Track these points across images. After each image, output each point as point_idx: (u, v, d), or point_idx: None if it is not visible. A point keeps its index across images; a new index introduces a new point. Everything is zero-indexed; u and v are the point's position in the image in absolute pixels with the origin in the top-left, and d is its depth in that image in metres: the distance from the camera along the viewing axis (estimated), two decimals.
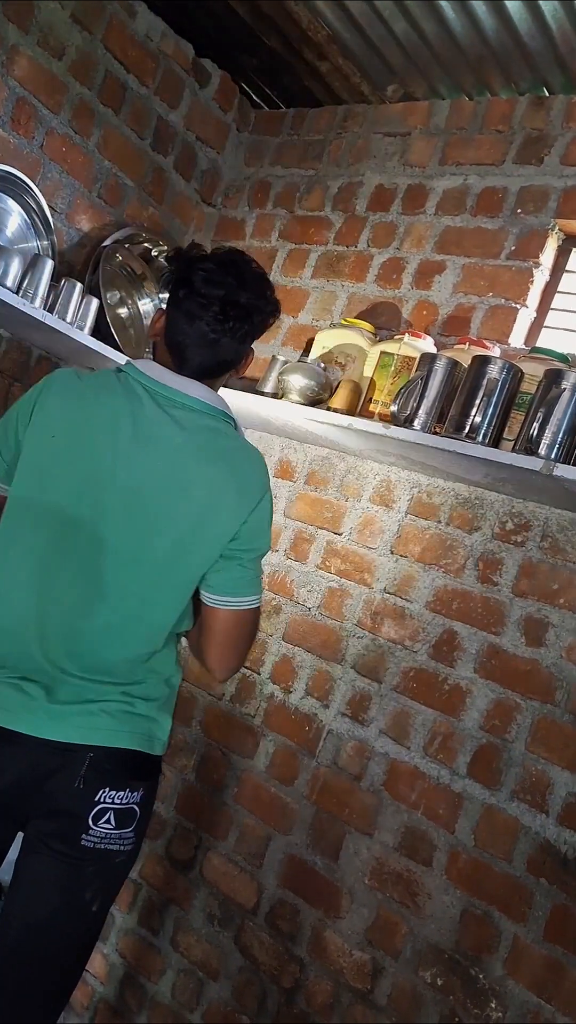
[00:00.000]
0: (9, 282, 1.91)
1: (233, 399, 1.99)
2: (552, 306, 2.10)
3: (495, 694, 1.82)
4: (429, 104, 2.28)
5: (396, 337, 2.04)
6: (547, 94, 2.09)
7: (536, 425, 1.63)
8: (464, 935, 1.75)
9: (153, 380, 1.41)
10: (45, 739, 1.38)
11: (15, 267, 1.93)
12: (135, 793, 1.43)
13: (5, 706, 1.39)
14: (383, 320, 2.21)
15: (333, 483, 2.17)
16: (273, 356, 2.19)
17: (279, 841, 2.04)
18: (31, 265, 1.96)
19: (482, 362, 1.74)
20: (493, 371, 1.71)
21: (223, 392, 1.55)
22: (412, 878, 1.83)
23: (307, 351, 2.22)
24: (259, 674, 2.18)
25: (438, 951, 1.77)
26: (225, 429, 1.44)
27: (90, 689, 1.40)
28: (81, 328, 2.06)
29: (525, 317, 2.06)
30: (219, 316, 1.38)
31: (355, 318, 2.18)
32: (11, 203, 2.10)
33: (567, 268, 2.11)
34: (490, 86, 2.15)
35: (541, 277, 2.06)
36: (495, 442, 1.74)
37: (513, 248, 2.06)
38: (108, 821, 1.40)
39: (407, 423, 1.80)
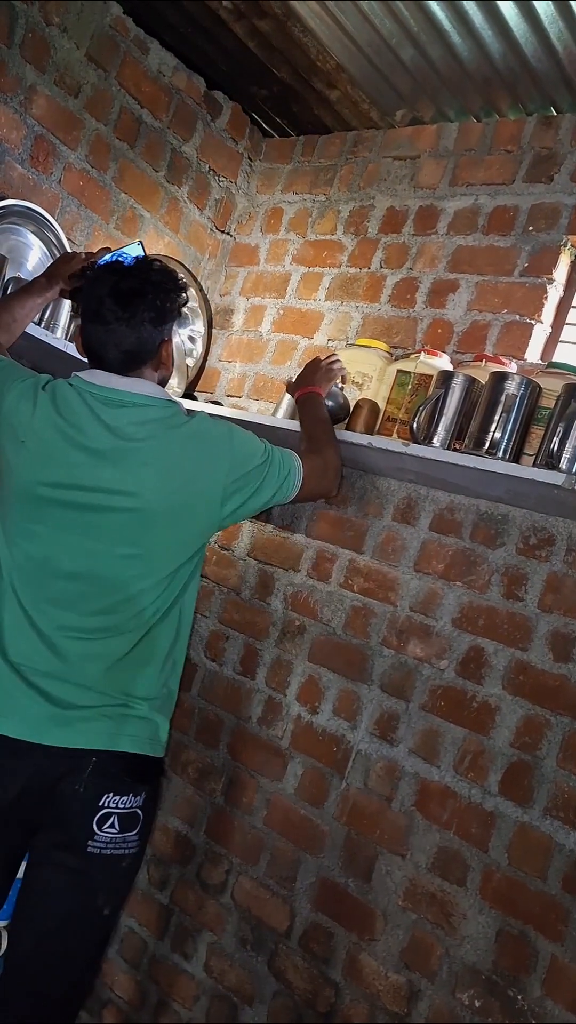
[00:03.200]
0: None
1: (253, 422, 2.01)
2: (567, 321, 2.12)
3: (524, 711, 1.81)
4: (438, 127, 2.31)
5: (412, 356, 2.06)
6: (555, 113, 2.12)
7: (556, 440, 1.63)
8: (501, 955, 1.73)
9: (99, 386, 1.51)
10: (50, 746, 1.41)
11: None
12: (138, 797, 1.47)
13: (8, 712, 1.42)
14: (398, 339, 2.23)
15: (353, 502, 2.19)
16: (289, 378, 2.21)
17: (310, 864, 2.03)
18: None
19: (500, 378, 1.75)
20: (511, 387, 1.73)
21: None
22: (446, 898, 1.82)
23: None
24: (285, 695, 2.18)
25: (475, 972, 1.75)
26: (174, 413, 1.54)
27: (88, 692, 1.44)
28: None
29: (540, 333, 2.08)
30: (110, 308, 1.47)
31: (370, 338, 2.20)
32: (31, 237, 2.15)
33: None
34: (498, 107, 2.18)
35: (555, 293, 2.08)
36: (515, 457, 1.75)
37: (526, 265, 2.08)
38: (112, 825, 1.44)
39: (426, 441, 1.81)
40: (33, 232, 2.14)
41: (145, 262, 1.55)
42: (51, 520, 1.46)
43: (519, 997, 1.68)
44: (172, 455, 1.49)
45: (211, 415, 1.62)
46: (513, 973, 1.70)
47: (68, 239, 2.19)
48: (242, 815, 2.19)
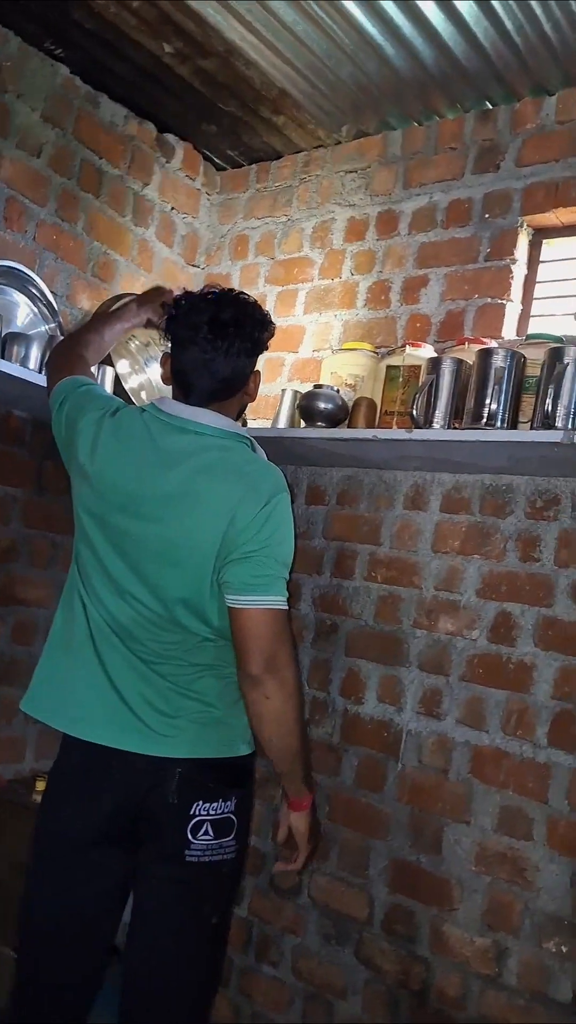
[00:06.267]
0: (31, 364, 2.03)
1: (262, 436, 2.10)
2: (535, 296, 2.24)
3: (558, 662, 1.90)
4: (383, 136, 2.44)
5: (398, 351, 2.17)
6: (490, 107, 2.25)
7: (549, 401, 1.73)
8: None
9: (165, 413, 1.54)
10: (135, 754, 1.46)
11: (34, 350, 2.05)
12: (228, 802, 1.50)
13: (98, 720, 1.49)
14: (380, 340, 2.34)
15: (363, 498, 2.28)
16: (283, 391, 2.31)
17: (380, 848, 2.09)
18: (48, 346, 2.09)
19: (486, 354, 1.86)
20: (498, 360, 1.83)
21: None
22: (516, 855, 1.89)
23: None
24: (328, 693, 2.25)
25: (556, 920, 1.82)
26: (236, 448, 1.53)
27: (165, 699, 1.49)
28: None
29: (512, 311, 2.19)
30: (207, 337, 1.50)
31: (354, 342, 2.31)
32: (17, 295, 2.23)
33: (541, 259, 2.25)
34: (437, 109, 2.31)
35: (520, 272, 2.20)
36: (513, 426, 1.85)
37: (488, 250, 2.20)
38: (206, 833, 1.48)
39: (427, 424, 1.91)
40: (18, 290, 2.23)
41: (238, 293, 1.57)
42: (98, 541, 1.52)
43: None
44: (203, 483, 1.47)
45: (281, 476, 1.53)
46: None
47: (51, 291, 2.28)
48: None
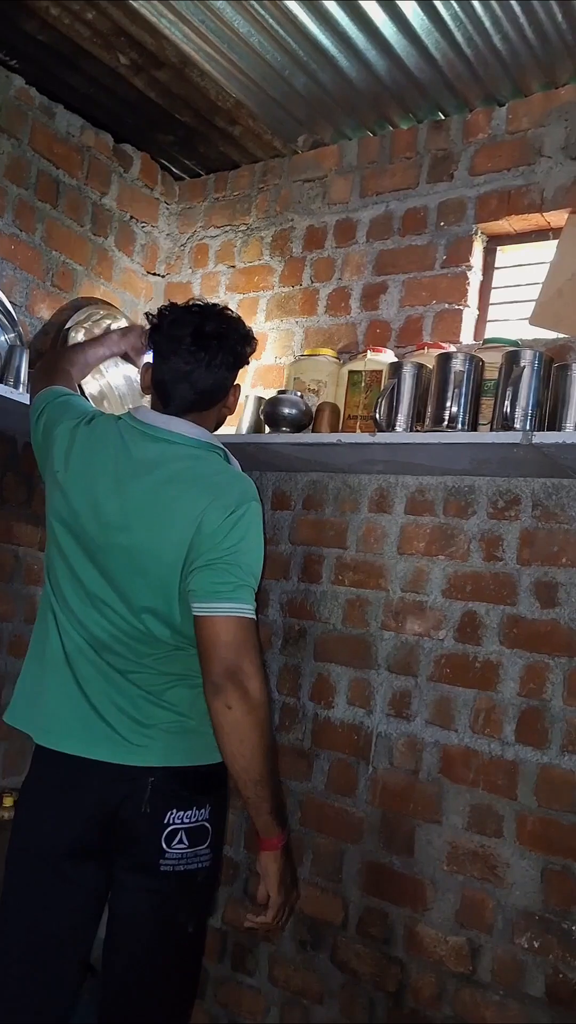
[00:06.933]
0: None
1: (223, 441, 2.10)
2: (491, 301, 2.28)
3: (524, 660, 1.93)
4: (339, 146, 2.47)
5: (359, 356, 2.19)
6: (443, 117, 2.29)
7: (507, 403, 1.77)
8: (549, 893, 1.82)
9: (139, 421, 1.55)
10: (107, 763, 1.46)
11: None
12: (202, 810, 1.50)
13: (69, 730, 1.48)
14: (342, 345, 2.36)
15: (329, 502, 2.29)
16: (246, 397, 2.32)
17: (353, 852, 2.10)
18: (8, 356, 2.08)
19: (445, 358, 1.89)
20: (457, 364, 1.86)
21: None
22: (487, 853, 1.91)
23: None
24: (298, 698, 2.26)
25: (528, 915, 1.84)
26: (207, 458, 1.54)
27: (138, 708, 1.49)
28: None
29: (469, 316, 2.23)
30: (190, 348, 1.52)
31: (316, 348, 2.33)
32: None
33: (496, 265, 2.29)
34: (391, 119, 2.35)
35: (475, 278, 2.24)
36: (473, 428, 1.88)
37: (445, 257, 2.24)
38: (181, 841, 1.47)
39: (390, 428, 1.93)
40: None
41: (222, 308, 1.59)
42: (70, 550, 1.52)
43: (574, 928, 1.77)
44: (171, 492, 1.47)
45: (251, 486, 1.53)
46: (564, 907, 1.80)
47: (11, 302, 2.26)
48: None
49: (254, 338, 1.62)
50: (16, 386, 2.06)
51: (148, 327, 1.62)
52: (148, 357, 1.70)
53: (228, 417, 1.69)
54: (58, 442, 1.56)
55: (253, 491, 1.51)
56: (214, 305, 1.60)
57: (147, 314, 1.63)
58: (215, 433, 1.63)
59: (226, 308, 1.61)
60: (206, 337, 1.52)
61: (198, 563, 1.42)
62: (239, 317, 1.61)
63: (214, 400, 1.58)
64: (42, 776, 1.52)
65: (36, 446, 1.64)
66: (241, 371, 1.64)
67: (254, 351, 1.63)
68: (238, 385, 1.64)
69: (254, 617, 1.44)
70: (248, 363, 1.64)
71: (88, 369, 1.87)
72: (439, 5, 1.88)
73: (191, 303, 1.60)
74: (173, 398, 1.55)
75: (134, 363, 1.97)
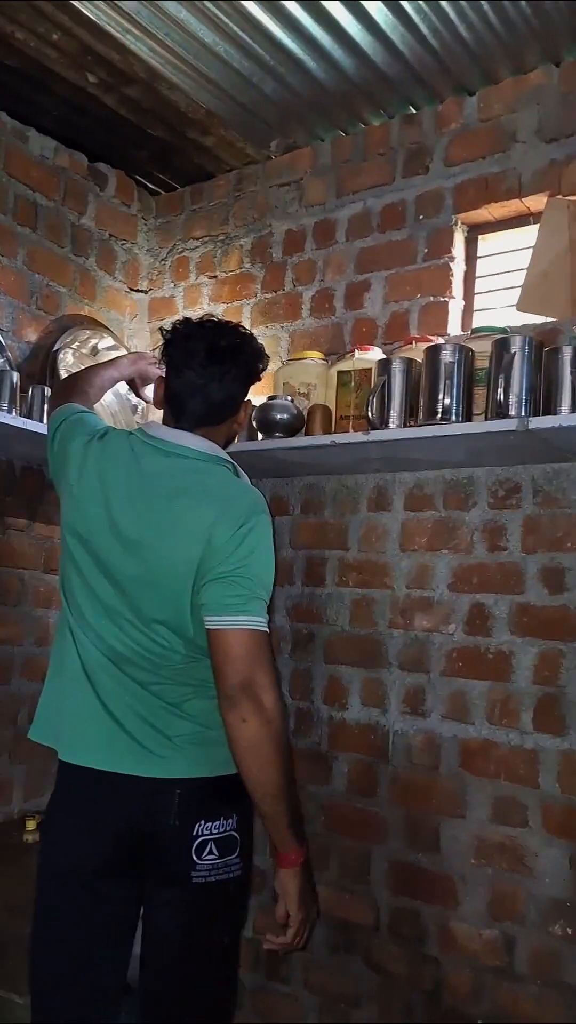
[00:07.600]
0: None
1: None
2: (476, 291, 2.27)
3: (536, 648, 1.92)
4: (312, 148, 2.47)
5: (347, 356, 2.19)
6: (414, 111, 2.29)
7: (500, 391, 1.76)
8: None
9: (150, 436, 1.57)
10: (132, 776, 1.44)
11: None
12: (229, 820, 1.49)
13: (93, 744, 1.47)
14: (329, 347, 2.36)
15: (327, 505, 2.28)
16: None
17: (379, 852, 2.09)
18: None
19: (434, 351, 1.88)
20: (446, 355, 1.86)
21: None
22: (514, 843, 1.89)
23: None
24: (312, 702, 2.25)
25: (560, 904, 1.82)
26: (216, 471, 1.55)
27: (161, 719, 1.48)
28: None
29: (455, 307, 2.23)
30: (203, 363, 1.53)
31: (303, 351, 2.33)
32: None
33: (478, 255, 2.29)
34: (362, 117, 2.35)
35: (458, 269, 2.23)
36: (467, 418, 1.87)
37: (426, 250, 2.24)
38: (211, 852, 1.46)
39: (383, 425, 1.93)
40: None
41: (236, 324, 1.62)
42: (84, 563, 1.52)
43: None
44: (180, 505, 1.47)
45: (260, 499, 1.54)
46: None
47: None
48: None
49: (267, 355, 1.64)
50: (9, 410, 2.06)
51: (161, 343, 1.63)
52: (160, 371, 1.73)
53: (236, 433, 1.69)
54: (73, 458, 1.57)
55: (262, 504, 1.53)
56: (227, 321, 1.64)
57: (161, 329, 1.64)
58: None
59: (239, 325, 1.63)
60: (220, 352, 1.54)
61: (209, 576, 1.43)
62: (252, 334, 1.63)
63: (225, 415, 1.60)
64: (67, 793, 1.51)
65: (52, 463, 1.66)
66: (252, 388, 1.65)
67: (266, 367, 1.65)
68: (248, 401, 1.66)
69: (266, 630, 1.44)
70: (260, 379, 1.65)
71: (104, 391, 1.90)
72: (402, 0, 1.88)
73: (204, 319, 1.62)
74: (185, 411, 1.57)
75: (136, 391, 1.98)
